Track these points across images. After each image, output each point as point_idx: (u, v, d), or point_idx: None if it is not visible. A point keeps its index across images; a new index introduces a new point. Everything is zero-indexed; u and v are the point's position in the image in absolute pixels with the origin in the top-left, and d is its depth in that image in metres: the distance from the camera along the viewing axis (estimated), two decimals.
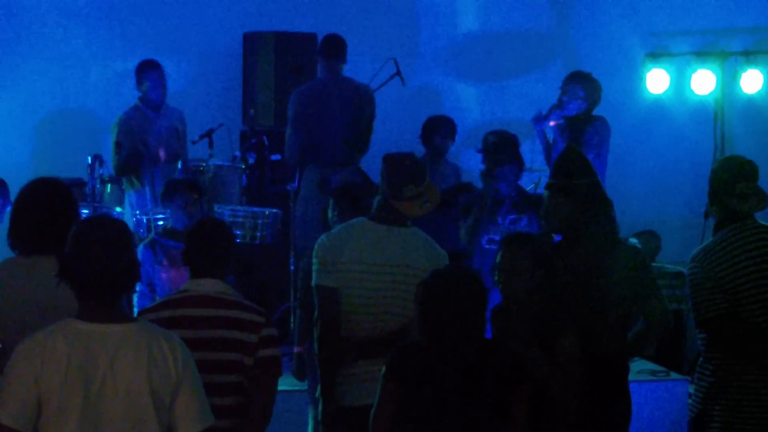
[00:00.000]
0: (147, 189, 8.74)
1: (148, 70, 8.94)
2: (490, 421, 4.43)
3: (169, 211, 7.59)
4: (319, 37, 9.53)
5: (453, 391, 4.42)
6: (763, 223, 5.31)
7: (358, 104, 8.75)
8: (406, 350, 4.54)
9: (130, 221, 8.34)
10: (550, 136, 8.63)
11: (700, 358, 5.33)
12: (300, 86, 8.92)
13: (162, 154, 8.80)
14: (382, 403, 4.52)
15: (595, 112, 8.47)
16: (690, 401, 5.36)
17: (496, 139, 7.47)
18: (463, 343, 4.45)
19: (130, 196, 8.92)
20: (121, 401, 3.68)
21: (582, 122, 8.39)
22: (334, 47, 8.82)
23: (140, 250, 7.31)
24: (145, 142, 8.81)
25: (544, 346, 4.76)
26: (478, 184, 7.93)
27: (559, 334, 4.79)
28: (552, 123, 8.51)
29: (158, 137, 8.86)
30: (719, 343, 5.20)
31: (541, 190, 9.10)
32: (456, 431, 4.41)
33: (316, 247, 5.41)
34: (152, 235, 7.43)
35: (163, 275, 7.28)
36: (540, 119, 8.54)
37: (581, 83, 8.42)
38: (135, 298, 7.25)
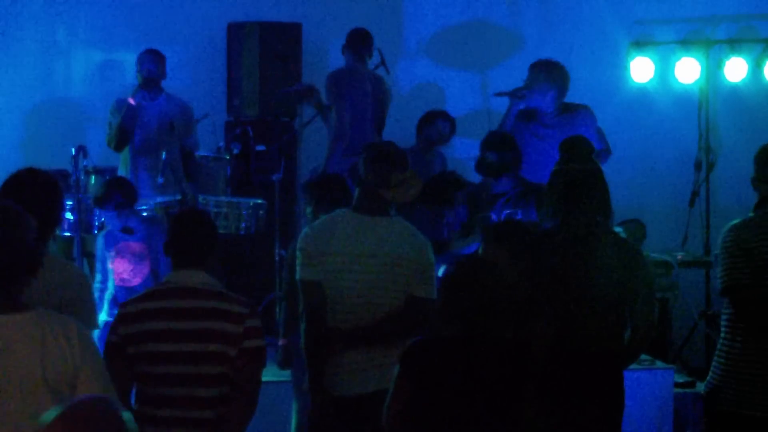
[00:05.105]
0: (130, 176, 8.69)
1: (142, 56, 8.90)
2: (500, 417, 4.38)
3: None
4: (304, 27, 9.52)
5: (470, 386, 4.35)
6: None
7: (385, 93, 8.96)
8: (421, 346, 4.46)
9: None
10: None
11: (722, 332, 5.40)
12: (334, 70, 9.01)
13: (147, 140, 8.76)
14: (394, 399, 4.45)
15: (580, 101, 8.21)
16: (709, 375, 5.43)
17: (495, 159, 7.23)
18: (489, 331, 4.39)
19: None
20: (15, 394, 3.59)
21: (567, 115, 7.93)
22: (365, 39, 9.01)
23: (98, 239, 7.50)
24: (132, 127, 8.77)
25: (522, 332, 4.71)
26: (464, 173, 7.91)
27: (534, 319, 4.75)
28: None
29: (145, 125, 8.81)
30: (740, 316, 5.26)
31: None
32: (470, 427, 4.37)
33: (299, 239, 5.39)
34: (109, 226, 7.43)
35: (110, 265, 7.33)
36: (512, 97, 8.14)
37: (542, 72, 7.99)
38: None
